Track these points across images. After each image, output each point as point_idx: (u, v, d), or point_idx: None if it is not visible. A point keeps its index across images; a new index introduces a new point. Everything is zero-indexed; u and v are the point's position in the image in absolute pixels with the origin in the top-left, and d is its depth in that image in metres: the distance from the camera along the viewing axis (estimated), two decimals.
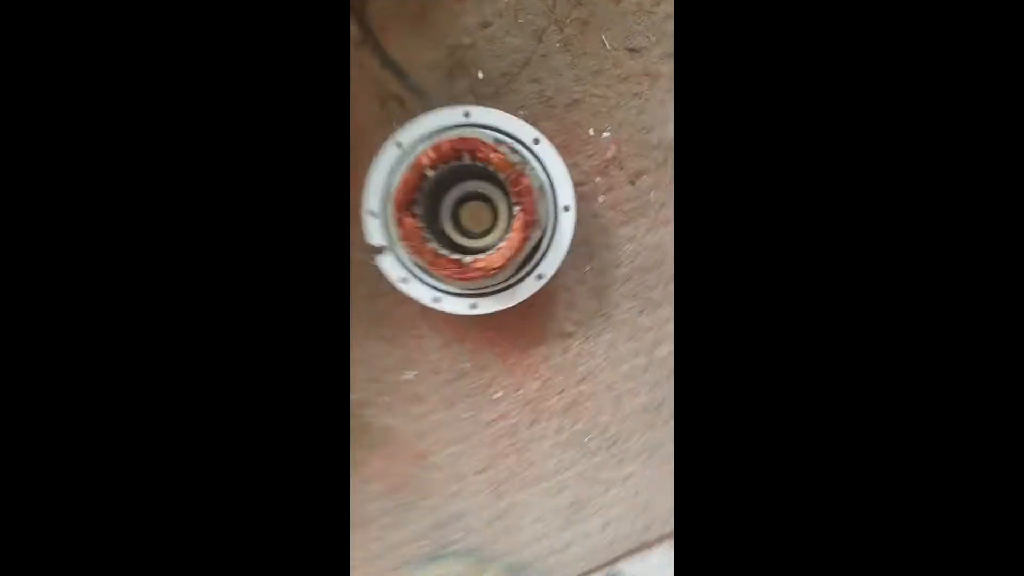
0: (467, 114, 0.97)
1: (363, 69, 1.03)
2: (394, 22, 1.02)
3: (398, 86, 1.03)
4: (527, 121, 0.94)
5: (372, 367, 1.03)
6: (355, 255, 1.02)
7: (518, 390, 1.05)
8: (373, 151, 0.99)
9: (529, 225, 0.92)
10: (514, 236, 0.93)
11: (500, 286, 0.97)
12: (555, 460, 1.04)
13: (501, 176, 0.93)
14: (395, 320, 1.05)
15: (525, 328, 1.03)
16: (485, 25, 1.01)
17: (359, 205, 0.98)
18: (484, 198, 1.03)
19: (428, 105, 1.02)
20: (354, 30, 1.02)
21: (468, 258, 0.95)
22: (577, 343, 1.03)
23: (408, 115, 1.02)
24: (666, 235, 1.00)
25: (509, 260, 0.93)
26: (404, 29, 1.02)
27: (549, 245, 0.97)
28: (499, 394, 1.05)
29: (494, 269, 0.93)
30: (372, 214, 0.99)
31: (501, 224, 1.02)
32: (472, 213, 1.03)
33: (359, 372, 1.04)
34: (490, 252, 0.94)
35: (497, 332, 1.04)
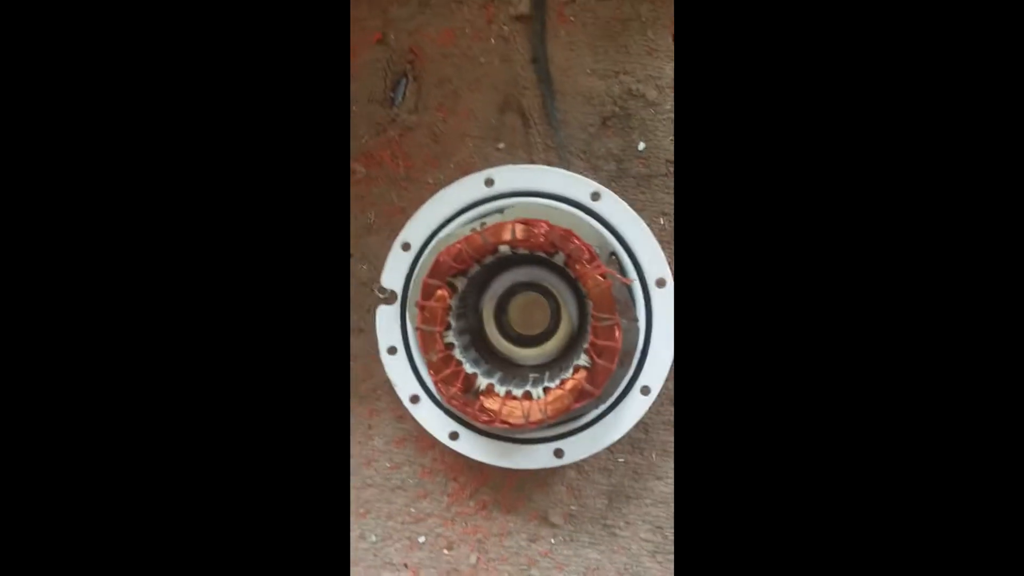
0: (596, 196, 0.66)
1: (502, 45, 0.71)
2: (581, 17, 0.70)
3: (534, 97, 0.72)
4: (661, 244, 0.62)
5: None
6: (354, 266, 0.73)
7: (447, 548, 0.75)
8: (458, 165, 0.68)
9: (586, 396, 0.62)
10: (560, 398, 0.62)
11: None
12: None
13: (589, 308, 0.62)
14: (358, 358, 0.75)
15: (503, 483, 0.73)
16: None
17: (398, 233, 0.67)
18: (543, 291, 0.70)
19: (556, 145, 0.71)
20: None
21: (482, 384, 0.64)
22: (552, 542, 0.73)
23: (521, 144, 0.71)
24: None
25: (536, 423, 0.62)
26: (587, 33, 0.70)
27: (599, 415, 0.67)
28: (423, 538, 0.76)
29: (508, 424, 0.63)
30: (405, 247, 0.68)
31: (560, 336, 0.69)
32: (523, 310, 0.71)
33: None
34: (515, 390, 0.64)
35: (468, 466, 0.74)
